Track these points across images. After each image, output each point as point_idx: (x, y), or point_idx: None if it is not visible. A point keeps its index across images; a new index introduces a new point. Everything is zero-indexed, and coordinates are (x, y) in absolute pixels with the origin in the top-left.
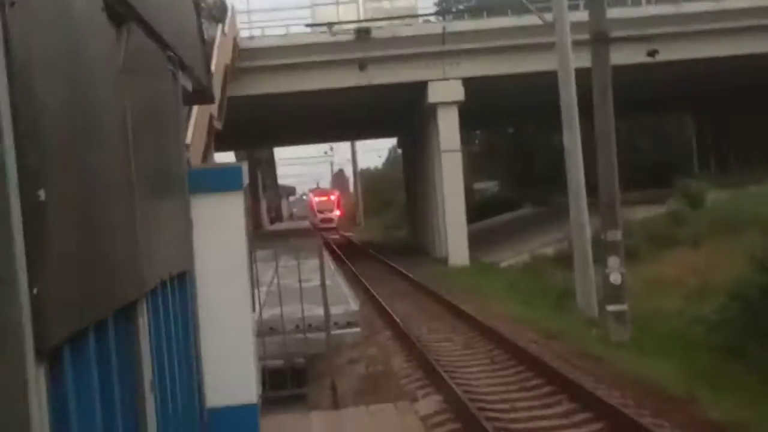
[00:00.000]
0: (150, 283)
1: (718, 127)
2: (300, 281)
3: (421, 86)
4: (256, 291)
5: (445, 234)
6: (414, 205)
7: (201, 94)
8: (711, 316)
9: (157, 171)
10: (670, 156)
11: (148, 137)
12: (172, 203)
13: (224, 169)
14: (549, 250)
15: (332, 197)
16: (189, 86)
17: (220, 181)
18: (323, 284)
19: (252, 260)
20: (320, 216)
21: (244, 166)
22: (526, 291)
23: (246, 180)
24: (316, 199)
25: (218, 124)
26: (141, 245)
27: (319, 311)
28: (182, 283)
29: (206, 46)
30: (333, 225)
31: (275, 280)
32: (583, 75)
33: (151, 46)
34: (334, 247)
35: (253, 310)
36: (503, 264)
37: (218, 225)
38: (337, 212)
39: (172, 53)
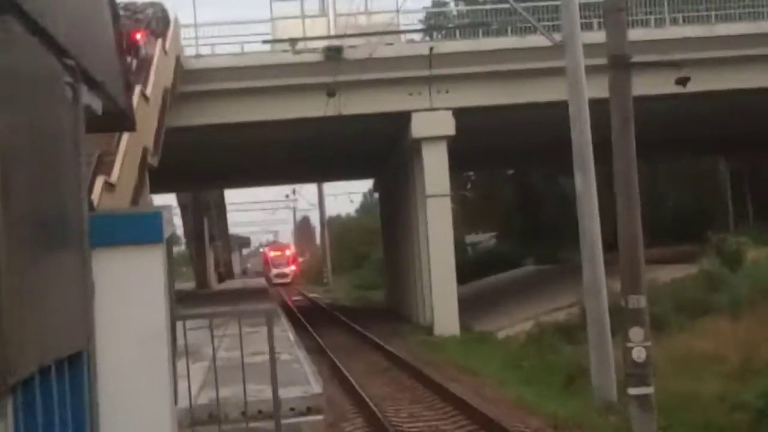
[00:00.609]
0: (20, 372)
1: (758, 171)
2: (243, 355)
3: (404, 118)
4: (190, 367)
5: (430, 296)
6: (393, 261)
7: (116, 119)
8: (756, 402)
9: (39, 218)
10: (701, 205)
11: (25, 170)
12: (63, 261)
13: (139, 215)
14: (557, 318)
15: (287, 252)
16: (98, 107)
17: (134, 230)
18: (272, 358)
19: (173, 331)
20: (275, 271)
21: (166, 212)
22: (530, 368)
23: (170, 229)
24: (271, 253)
25: (154, 160)
26: (6, 321)
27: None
28: (76, 367)
29: (126, 60)
30: (288, 280)
31: (220, 354)
32: (597, 108)
33: (37, 47)
34: (296, 312)
35: (175, 396)
36: (501, 334)
37: (130, 287)
38: (293, 267)
39: (71, 61)
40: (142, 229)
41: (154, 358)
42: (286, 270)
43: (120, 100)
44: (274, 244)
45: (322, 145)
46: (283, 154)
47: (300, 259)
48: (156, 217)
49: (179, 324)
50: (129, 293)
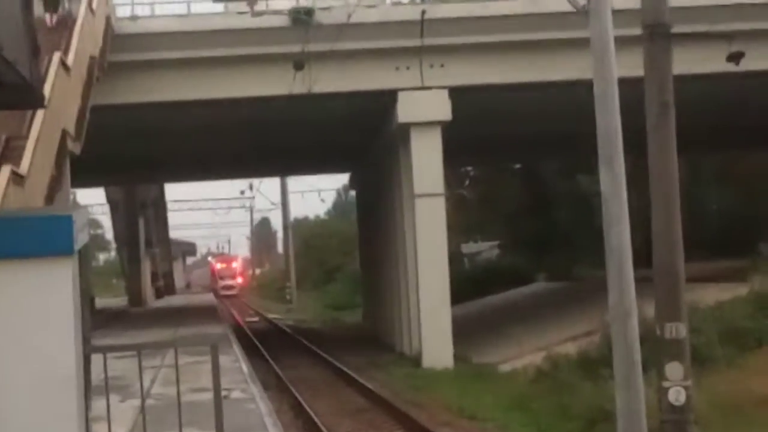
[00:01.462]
0: None
1: None
2: (180, 393)
3: (388, 98)
4: (117, 407)
5: (417, 319)
6: (372, 275)
7: (19, 94)
8: None
9: None
10: (751, 210)
11: None
12: None
13: (42, 218)
14: (574, 349)
15: (234, 264)
16: None
17: (35, 238)
18: (217, 397)
19: (87, 368)
20: (222, 283)
21: (80, 214)
22: (540, 411)
23: (84, 236)
24: (218, 265)
25: (76, 146)
26: None
27: None
28: None
29: (32, 14)
30: (235, 292)
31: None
32: (627, 89)
33: None
34: (251, 336)
35: None
36: (505, 367)
37: (28, 315)
38: (239, 280)
39: None
40: (47, 237)
41: (59, 409)
42: (233, 282)
43: (23, 67)
44: (222, 256)
45: (287, 131)
46: (238, 142)
47: (257, 271)
48: (65, 221)
49: (98, 357)
50: (26, 323)
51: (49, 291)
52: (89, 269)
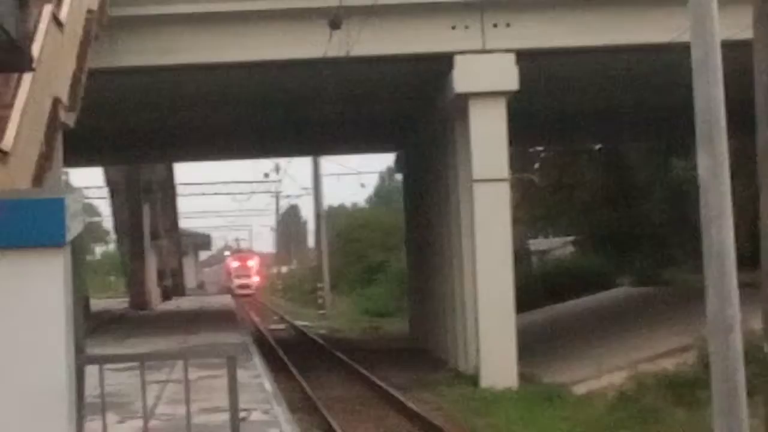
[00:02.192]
0: None
1: None
2: (190, 414)
3: (442, 63)
4: (115, 429)
5: (475, 330)
6: (422, 276)
7: (3, 54)
8: None
9: None
10: None
11: None
12: None
13: (28, 201)
14: (663, 367)
15: (250, 263)
16: None
17: (19, 225)
18: (234, 420)
19: (81, 380)
20: (237, 282)
21: (72, 197)
22: None
23: (78, 224)
24: (233, 263)
25: (70, 118)
26: None
27: None
28: None
29: None
30: (251, 291)
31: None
32: (731, 54)
33: None
34: (276, 347)
35: None
36: (580, 389)
37: (11, 316)
38: (256, 278)
39: None
40: (34, 224)
41: (46, 430)
42: (249, 281)
43: (8, 23)
44: (237, 254)
45: (321, 102)
46: (262, 114)
47: (283, 269)
48: (56, 205)
49: (92, 368)
50: (8, 327)
51: (35, 289)
52: (83, 264)
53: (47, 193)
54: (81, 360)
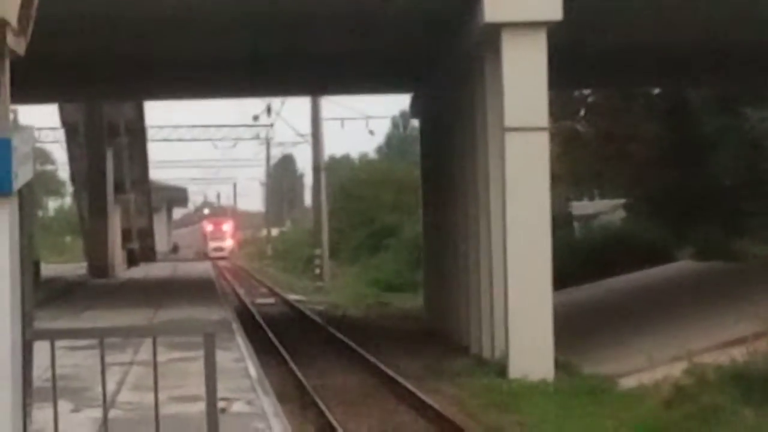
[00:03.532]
0: None
1: None
2: (158, 402)
3: None
4: (71, 419)
5: (503, 310)
6: (439, 243)
7: None
8: None
9: None
10: None
11: None
12: None
13: None
14: (729, 358)
15: (225, 227)
16: None
17: None
18: (211, 412)
19: (28, 357)
20: (212, 245)
21: (21, 137)
22: None
23: (26, 171)
24: (208, 227)
25: (18, 43)
26: None
27: None
28: None
29: None
30: (224, 254)
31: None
32: None
33: None
34: (264, 325)
35: None
36: (628, 382)
37: None
38: (230, 242)
39: None
40: None
41: None
42: (223, 244)
43: None
44: (212, 218)
45: (322, 30)
46: (251, 44)
47: (274, 231)
48: (1, 146)
49: (41, 345)
50: None
51: None
52: (33, 220)
53: None
54: (29, 334)
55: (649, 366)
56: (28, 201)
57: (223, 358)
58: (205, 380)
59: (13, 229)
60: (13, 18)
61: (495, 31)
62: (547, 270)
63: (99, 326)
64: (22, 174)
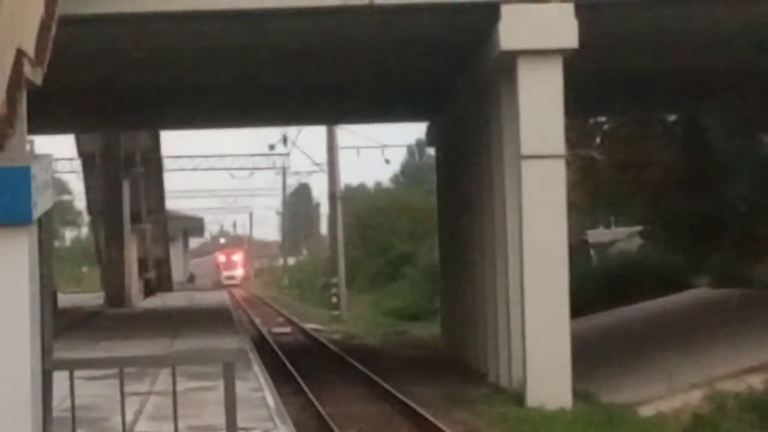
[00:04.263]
0: None
1: None
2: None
3: (485, 14)
4: None
5: (521, 338)
6: (456, 271)
7: None
8: None
9: None
10: None
11: None
12: None
13: None
14: (750, 386)
15: (235, 257)
16: None
17: None
18: None
19: (48, 387)
20: (225, 273)
21: (40, 165)
22: None
23: (45, 200)
24: (221, 258)
25: (36, 74)
26: None
27: None
28: None
29: None
30: (236, 282)
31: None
32: None
33: None
34: (280, 354)
35: None
36: (647, 410)
37: None
38: (241, 271)
39: None
40: None
41: None
42: (234, 273)
43: None
44: (224, 249)
45: (338, 61)
46: (268, 75)
47: (290, 261)
48: (20, 175)
49: (59, 375)
50: None
51: None
52: (51, 249)
53: (9, 161)
54: (48, 363)
55: (668, 394)
56: (47, 230)
57: (240, 387)
58: (225, 409)
59: (33, 258)
60: (30, 48)
61: (511, 58)
62: (565, 298)
63: (118, 356)
64: (41, 203)
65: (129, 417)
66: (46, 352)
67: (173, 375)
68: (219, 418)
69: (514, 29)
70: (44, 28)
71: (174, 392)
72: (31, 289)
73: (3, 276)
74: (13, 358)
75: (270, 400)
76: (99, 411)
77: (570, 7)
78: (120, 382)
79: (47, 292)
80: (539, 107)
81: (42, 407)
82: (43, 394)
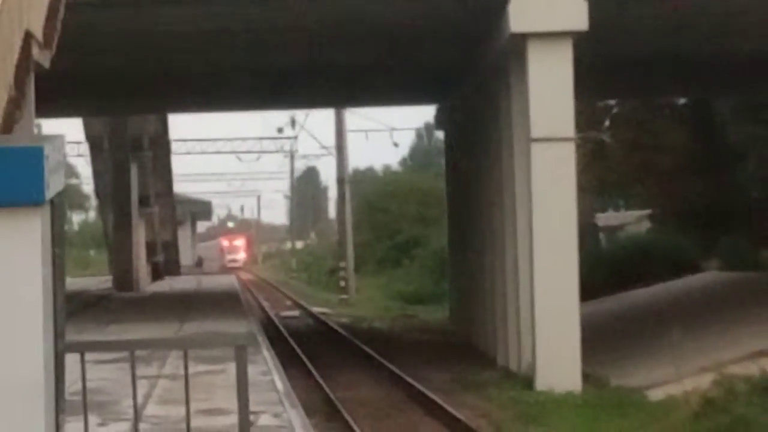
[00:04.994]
0: None
1: None
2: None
3: None
4: None
5: (530, 321)
6: (465, 254)
7: None
8: None
9: None
10: None
11: None
12: None
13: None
14: (761, 368)
15: (237, 242)
16: None
17: None
18: (243, 422)
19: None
20: (228, 257)
21: (52, 146)
22: None
23: (58, 181)
24: (225, 243)
25: (44, 57)
26: None
27: None
28: None
29: None
30: (239, 265)
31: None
32: None
33: None
34: (288, 337)
35: None
36: (656, 393)
37: None
38: (243, 254)
39: None
40: (4, 178)
41: (19, 424)
42: (237, 257)
43: None
44: (228, 235)
45: (346, 42)
46: (275, 57)
47: (298, 244)
48: (32, 155)
49: (69, 359)
50: None
51: (7, 258)
52: (63, 231)
53: (21, 141)
54: (61, 346)
55: (677, 377)
56: (59, 211)
57: (249, 371)
58: (237, 393)
59: (45, 240)
60: (38, 31)
61: (521, 41)
62: (574, 281)
63: (130, 339)
64: (53, 183)
65: (138, 400)
66: (58, 335)
67: (185, 358)
68: (228, 402)
69: (524, 11)
70: (52, 9)
71: (186, 375)
72: (43, 271)
73: (16, 258)
74: (27, 341)
75: (279, 384)
76: (108, 394)
77: None
78: (131, 365)
79: (60, 273)
80: (549, 90)
81: (56, 391)
82: (57, 379)
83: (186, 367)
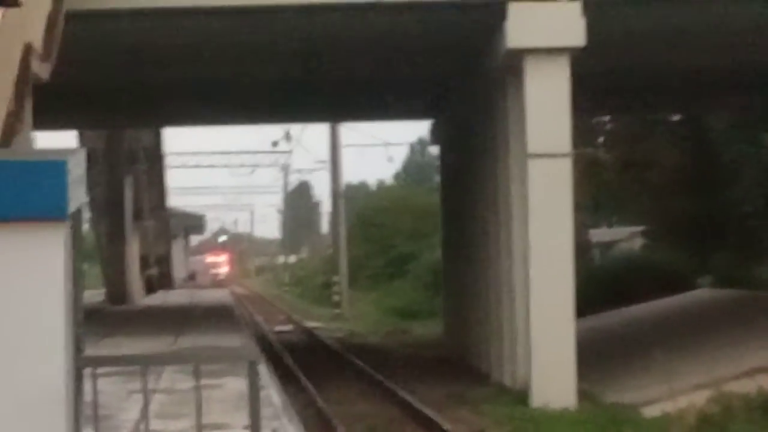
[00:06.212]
0: None
1: None
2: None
3: (492, 11)
4: None
5: (525, 337)
6: (459, 270)
7: None
8: None
9: None
10: None
11: None
12: None
13: (20, 164)
14: (756, 386)
15: (220, 258)
16: None
17: (5, 194)
18: None
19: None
20: (212, 271)
21: (75, 159)
22: None
23: (79, 195)
24: (209, 259)
25: (43, 69)
26: None
27: None
28: None
29: None
30: (221, 278)
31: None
32: None
33: None
34: (283, 354)
35: None
36: (651, 410)
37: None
38: (226, 268)
39: None
40: (27, 193)
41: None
42: (220, 271)
43: None
44: (213, 251)
45: (341, 57)
46: (270, 71)
47: (291, 258)
48: (56, 169)
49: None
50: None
51: (30, 273)
52: (81, 245)
53: (45, 155)
54: (81, 362)
55: (673, 394)
56: (77, 226)
57: (244, 385)
58: (249, 408)
59: (67, 255)
60: (38, 43)
61: (518, 56)
62: (570, 298)
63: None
64: (75, 197)
65: (134, 415)
66: (77, 350)
67: (196, 372)
68: (225, 417)
69: (521, 27)
70: (52, 22)
71: (198, 389)
72: (65, 287)
73: (39, 272)
74: (49, 355)
75: (276, 399)
76: (106, 408)
77: (577, 6)
78: (142, 379)
79: (79, 288)
80: (546, 105)
81: (75, 406)
82: (76, 393)
83: (198, 380)
